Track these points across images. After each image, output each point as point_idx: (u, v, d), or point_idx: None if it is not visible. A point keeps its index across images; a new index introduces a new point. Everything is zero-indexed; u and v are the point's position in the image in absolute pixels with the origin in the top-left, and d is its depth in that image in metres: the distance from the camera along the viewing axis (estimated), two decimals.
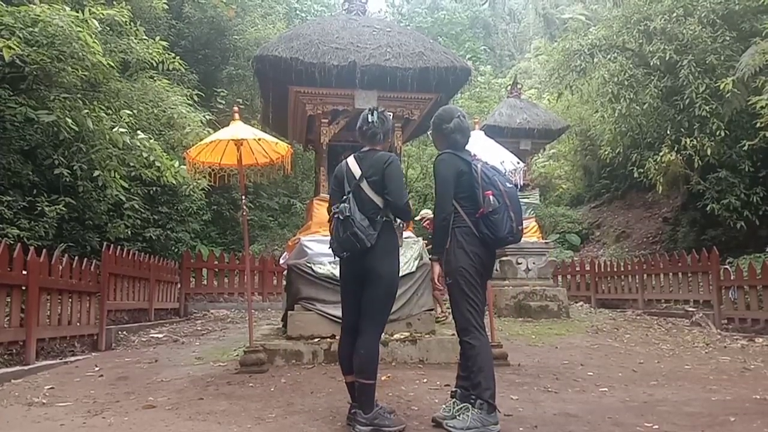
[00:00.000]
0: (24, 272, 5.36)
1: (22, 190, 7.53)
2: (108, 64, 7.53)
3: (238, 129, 5.24)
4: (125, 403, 4.00)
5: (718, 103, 10.45)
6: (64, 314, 6.12)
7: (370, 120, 3.37)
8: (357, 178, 3.28)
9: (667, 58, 10.94)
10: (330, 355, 5.19)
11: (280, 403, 3.88)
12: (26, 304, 5.37)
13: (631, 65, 11.98)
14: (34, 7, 6.73)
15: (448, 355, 5.28)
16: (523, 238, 3.80)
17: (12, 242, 6.04)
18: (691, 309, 9.34)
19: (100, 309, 6.91)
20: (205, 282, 11.09)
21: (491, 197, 3.20)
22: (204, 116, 10.18)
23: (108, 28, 8.61)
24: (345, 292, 3.43)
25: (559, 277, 12.67)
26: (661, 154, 11.07)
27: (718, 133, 10.39)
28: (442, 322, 7.27)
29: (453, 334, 4.35)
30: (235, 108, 5.57)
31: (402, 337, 5.51)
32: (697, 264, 9.39)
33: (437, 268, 3.33)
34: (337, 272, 3.62)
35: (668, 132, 11.34)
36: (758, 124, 9.16)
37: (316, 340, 5.42)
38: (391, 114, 3.72)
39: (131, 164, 7.91)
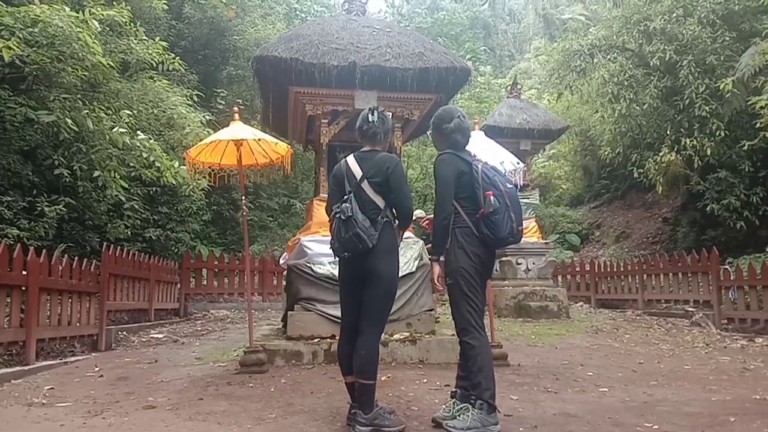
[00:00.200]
0: (24, 272, 5.36)
1: (22, 191, 7.53)
2: (108, 64, 7.53)
3: (237, 129, 5.24)
4: (125, 403, 4.00)
5: (718, 104, 10.45)
6: (64, 314, 6.12)
7: (370, 120, 3.36)
8: (358, 178, 3.27)
9: (666, 59, 10.95)
10: (330, 355, 5.18)
11: (280, 403, 3.88)
12: (26, 305, 5.37)
13: (630, 65, 11.98)
14: (34, 7, 6.73)
15: (448, 356, 5.28)
16: (523, 239, 3.80)
17: (12, 242, 6.03)
18: (691, 309, 9.34)
19: (100, 309, 6.91)
20: (205, 282, 11.09)
21: (492, 198, 3.20)
22: (204, 117, 10.18)
23: (108, 29, 8.60)
24: (344, 292, 3.42)
25: (559, 278, 12.67)
26: (660, 154, 11.07)
27: (717, 133, 10.39)
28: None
29: (453, 335, 4.35)
30: (235, 108, 5.57)
31: (402, 337, 5.51)
32: (697, 264, 9.39)
33: (437, 269, 3.32)
34: (336, 272, 3.63)
35: (668, 132, 11.34)
36: (758, 125, 9.16)
37: (316, 340, 5.42)
38: (391, 114, 3.72)
39: (131, 164, 7.90)
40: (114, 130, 7.34)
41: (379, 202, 3.26)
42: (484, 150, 5.31)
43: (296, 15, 19.16)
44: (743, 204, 10.80)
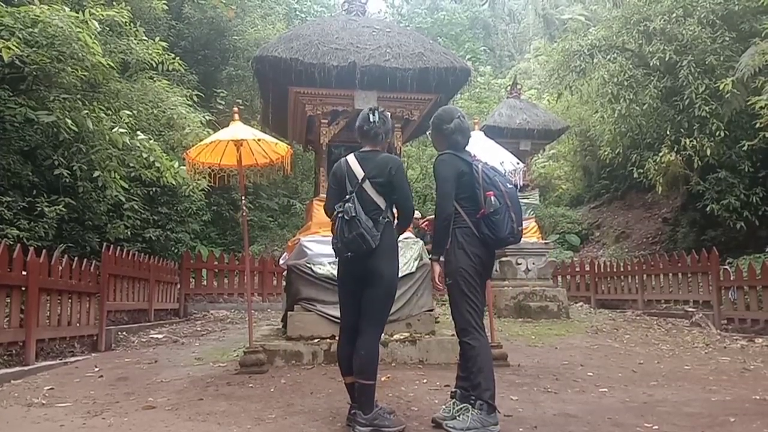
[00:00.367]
0: (24, 273, 5.36)
1: (21, 191, 7.53)
2: (108, 64, 7.53)
3: (237, 129, 5.24)
4: (125, 403, 4.00)
5: (718, 104, 10.45)
6: (64, 315, 6.12)
7: (371, 120, 3.35)
8: (359, 178, 3.26)
9: (666, 59, 10.95)
10: (330, 355, 5.18)
11: (279, 403, 3.88)
12: (26, 305, 5.37)
13: (630, 66, 11.98)
14: (34, 7, 6.73)
15: (448, 356, 5.28)
16: (522, 239, 3.80)
17: (12, 243, 6.04)
18: (690, 309, 9.33)
19: (100, 309, 6.91)
20: (204, 282, 11.08)
21: (493, 198, 3.20)
22: (204, 117, 10.18)
23: (108, 29, 8.60)
24: (343, 292, 3.42)
25: (559, 278, 12.66)
26: (660, 154, 11.07)
27: (717, 133, 10.39)
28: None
29: (453, 335, 4.35)
30: (235, 108, 5.57)
31: (402, 337, 5.51)
32: (697, 264, 9.39)
33: (437, 269, 3.32)
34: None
35: (668, 132, 11.34)
36: (758, 125, 9.15)
37: (316, 340, 5.42)
38: (391, 114, 3.72)
39: (131, 165, 7.90)
40: (114, 130, 7.34)
41: (381, 202, 3.26)
42: (484, 150, 5.32)
43: (296, 15, 19.15)
44: (743, 204, 10.80)
